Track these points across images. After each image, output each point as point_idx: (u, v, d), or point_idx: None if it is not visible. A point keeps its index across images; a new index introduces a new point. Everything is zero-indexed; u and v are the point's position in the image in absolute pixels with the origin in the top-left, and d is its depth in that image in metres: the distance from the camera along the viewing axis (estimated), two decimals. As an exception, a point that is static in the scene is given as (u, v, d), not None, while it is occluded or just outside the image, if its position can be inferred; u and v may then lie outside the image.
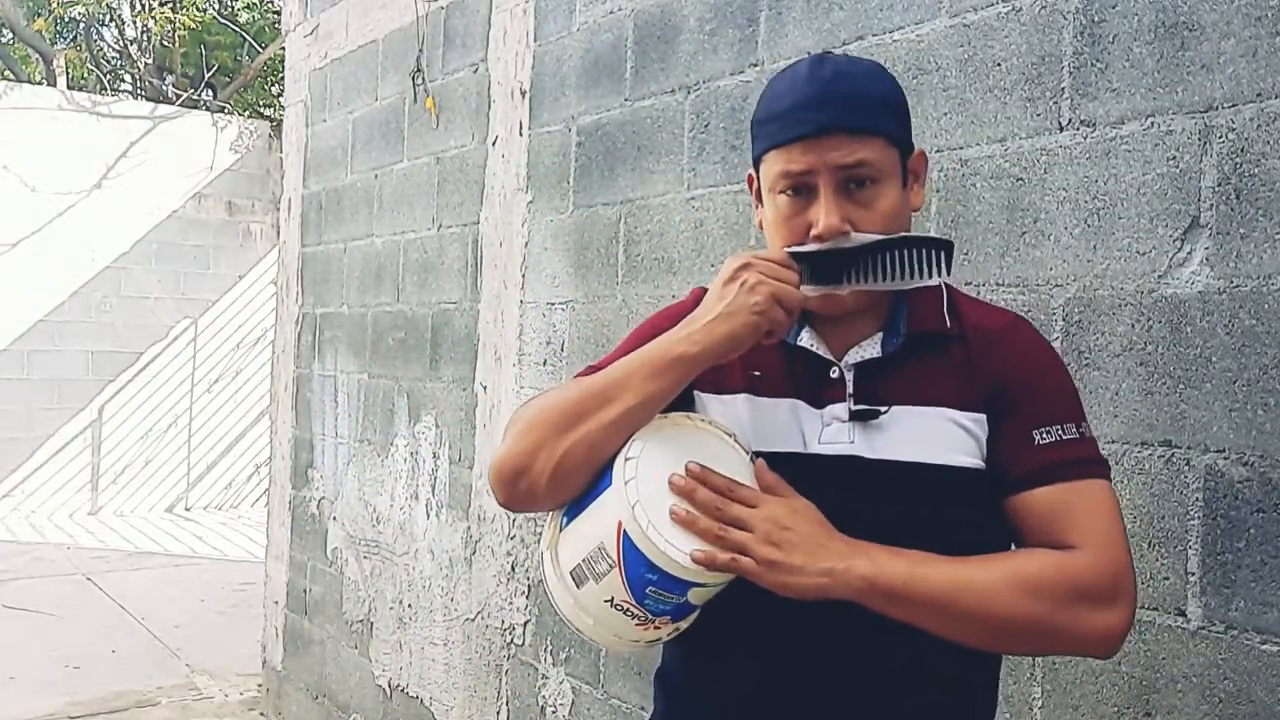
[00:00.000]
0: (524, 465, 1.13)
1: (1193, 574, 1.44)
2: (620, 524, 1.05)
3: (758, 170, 1.19)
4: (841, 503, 1.08)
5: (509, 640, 2.80)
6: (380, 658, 3.41)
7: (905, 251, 1.09)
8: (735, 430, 1.14)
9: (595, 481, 1.11)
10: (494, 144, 2.94)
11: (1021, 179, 1.66)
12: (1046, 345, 1.19)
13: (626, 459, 1.08)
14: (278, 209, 7.51)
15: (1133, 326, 1.52)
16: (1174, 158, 1.48)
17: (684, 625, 1.13)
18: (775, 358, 1.17)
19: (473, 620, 2.96)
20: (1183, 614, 1.45)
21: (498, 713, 2.84)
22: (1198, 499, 1.44)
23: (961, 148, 1.75)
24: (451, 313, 3.13)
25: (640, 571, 1.05)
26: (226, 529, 8.09)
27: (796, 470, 1.10)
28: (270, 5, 10.74)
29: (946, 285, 1.20)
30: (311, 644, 3.87)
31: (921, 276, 1.09)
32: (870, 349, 1.15)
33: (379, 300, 3.52)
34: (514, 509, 1.19)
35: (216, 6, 10.98)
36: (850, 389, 1.14)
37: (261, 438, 8.60)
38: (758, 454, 1.12)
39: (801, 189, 1.12)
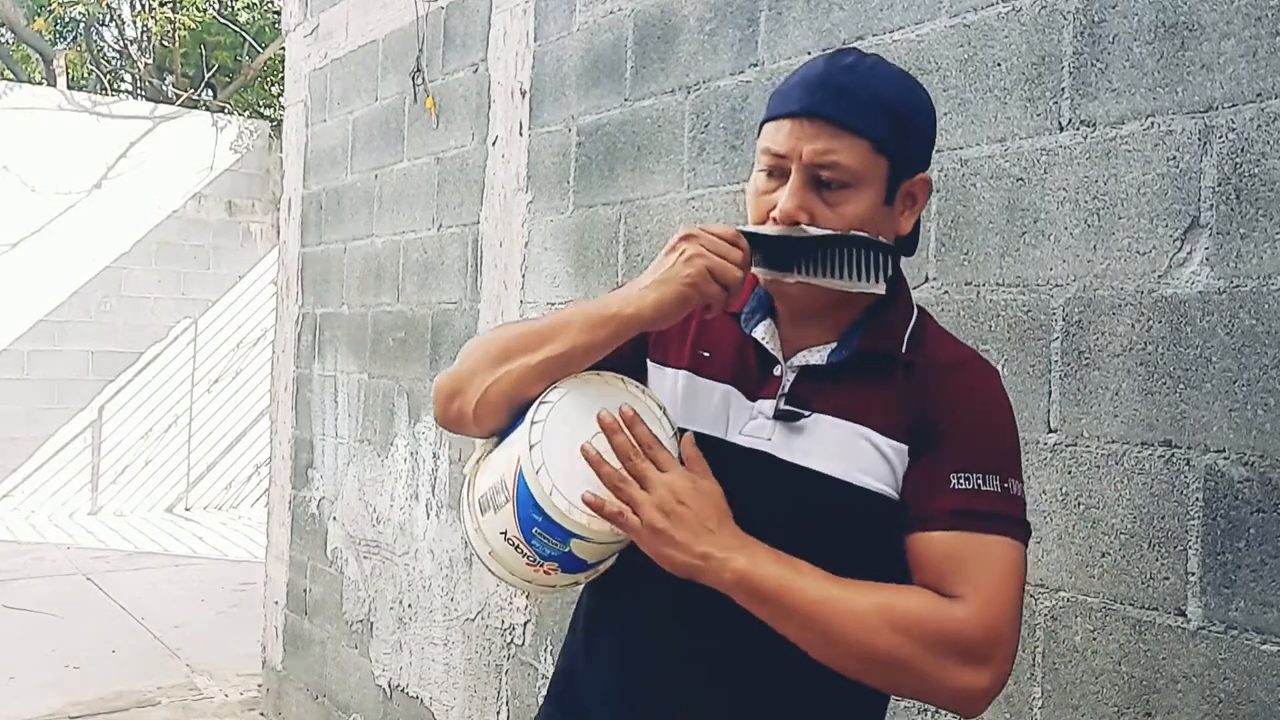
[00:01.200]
0: (457, 388, 1.20)
1: (1193, 574, 1.44)
2: (519, 461, 1.08)
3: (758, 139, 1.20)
4: (745, 497, 1.08)
5: (509, 640, 2.80)
6: (380, 658, 3.41)
7: (855, 252, 1.09)
8: (666, 404, 1.15)
9: (517, 418, 1.14)
10: (494, 144, 2.94)
11: (1021, 179, 1.66)
12: (996, 392, 1.14)
13: (542, 402, 1.11)
14: (278, 209, 7.51)
15: (1133, 326, 1.52)
16: (1174, 158, 1.48)
17: (582, 579, 1.16)
18: (729, 343, 1.18)
19: (473, 620, 2.96)
20: (1183, 614, 1.45)
21: (498, 713, 2.84)
22: (1198, 499, 1.44)
23: (961, 148, 1.75)
24: (451, 313, 3.13)
25: (528, 511, 1.08)
26: (226, 529, 8.09)
27: (712, 455, 1.10)
28: (270, 5, 10.74)
29: (920, 312, 1.19)
30: (311, 644, 3.87)
31: (868, 281, 1.09)
32: (816, 356, 1.14)
33: (379, 300, 3.52)
34: (448, 429, 1.25)
35: (216, 6, 10.98)
36: (785, 389, 1.14)
37: (261, 438, 8.60)
38: (682, 430, 1.13)
39: (776, 170, 1.11)
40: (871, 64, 1.12)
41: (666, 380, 1.20)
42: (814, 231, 1.08)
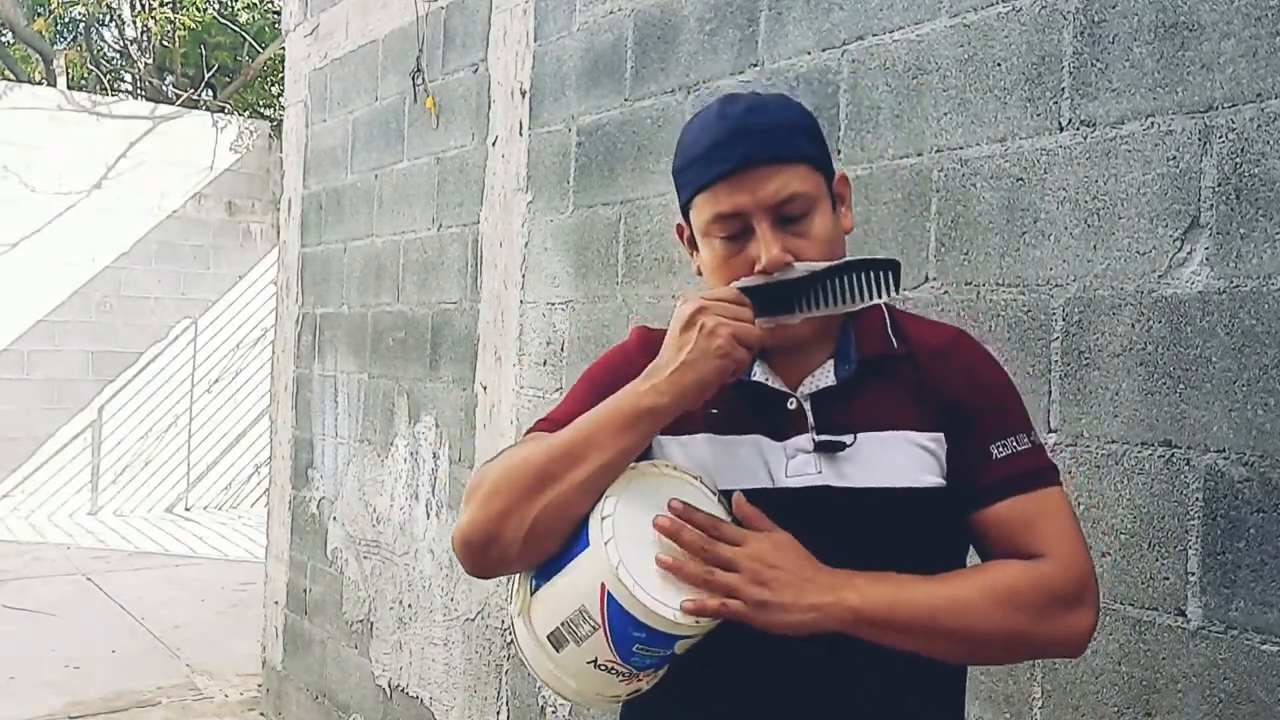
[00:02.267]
0: (493, 533, 1.09)
1: (1193, 574, 1.44)
2: (604, 586, 1.03)
3: (687, 219, 1.18)
4: (815, 533, 1.07)
5: (509, 640, 2.80)
6: (380, 658, 3.41)
7: (853, 275, 1.09)
8: (700, 473, 1.12)
9: (569, 542, 1.08)
10: (494, 144, 2.94)
11: (1021, 179, 1.66)
12: (992, 358, 1.21)
13: (603, 517, 1.06)
14: (278, 209, 7.51)
15: (1133, 326, 1.52)
16: (1174, 158, 1.48)
17: (663, 672, 1.12)
18: (730, 394, 1.15)
19: (473, 620, 2.96)
20: (1183, 614, 1.45)
21: (498, 713, 2.84)
22: (1198, 499, 1.44)
23: (961, 148, 1.75)
24: (451, 313, 3.13)
25: (627, 631, 1.03)
26: (226, 529, 8.09)
27: (767, 506, 1.09)
28: (270, 5, 10.74)
29: (886, 305, 1.20)
30: (311, 644, 3.87)
31: (869, 297, 1.10)
32: (824, 378, 1.15)
33: (379, 300, 3.52)
34: (484, 576, 1.16)
35: (216, 6, 10.98)
36: (811, 420, 1.13)
37: (261, 438, 8.60)
38: (725, 492, 1.11)
39: (736, 232, 1.11)
40: (754, 100, 1.15)
41: (688, 449, 1.16)
42: (808, 269, 1.09)
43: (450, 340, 3.13)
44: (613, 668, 1.06)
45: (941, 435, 1.13)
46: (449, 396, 3.11)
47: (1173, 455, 1.47)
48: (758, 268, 1.10)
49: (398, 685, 3.31)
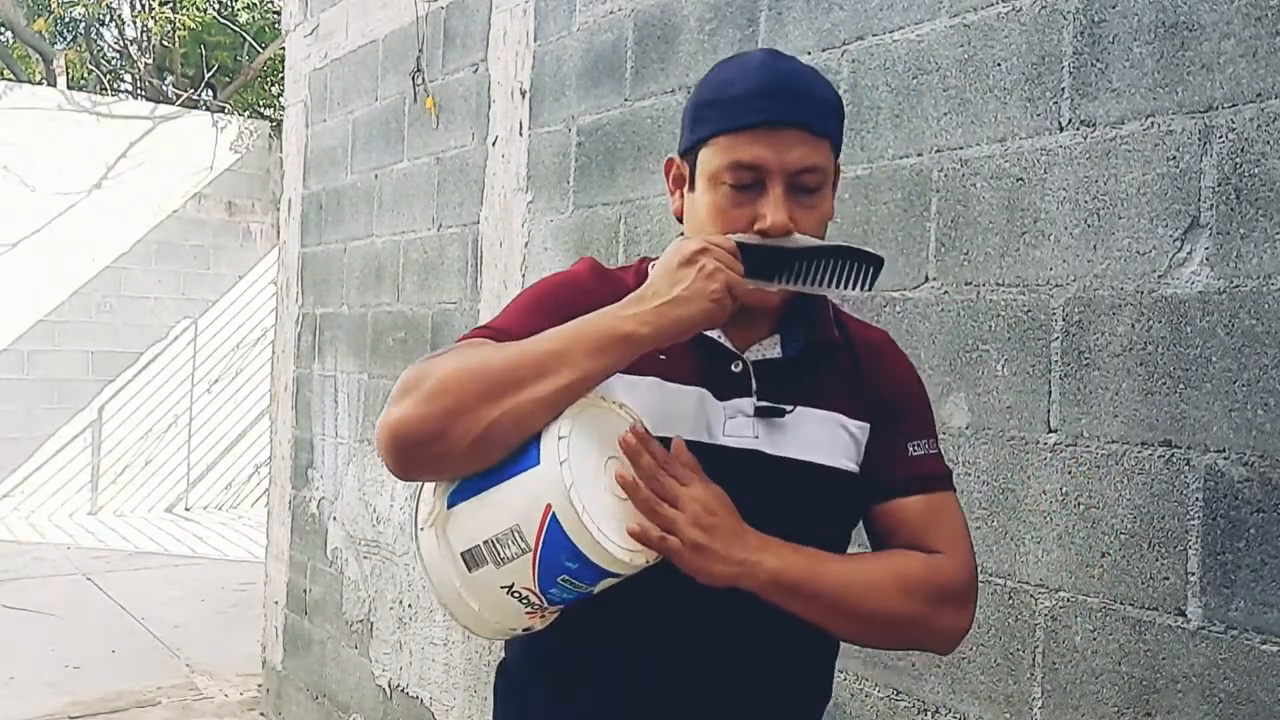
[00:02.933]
0: (438, 430, 1.02)
1: (1193, 574, 1.44)
2: (549, 508, 0.99)
3: (693, 155, 1.15)
4: (742, 495, 1.08)
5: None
6: (380, 658, 3.41)
7: (841, 261, 1.10)
8: (642, 417, 1.10)
9: (509, 457, 1.03)
10: (494, 144, 2.94)
11: (1021, 179, 1.66)
12: (913, 366, 1.29)
13: (560, 438, 1.01)
14: (278, 209, 7.51)
15: (1133, 326, 1.52)
16: (1174, 158, 1.48)
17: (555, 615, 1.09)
18: (684, 344, 1.13)
19: (473, 620, 2.96)
20: (1183, 614, 1.45)
21: (498, 713, 2.84)
22: (1198, 499, 1.44)
23: (961, 148, 1.75)
24: (451, 313, 3.13)
25: (559, 559, 1.00)
26: (226, 529, 8.09)
27: (701, 459, 1.09)
28: (270, 5, 10.74)
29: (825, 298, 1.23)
30: (311, 644, 3.87)
31: (846, 286, 1.10)
32: (771, 349, 1.17)
33: (379, 300, 3.52)
34: (406, 477, 1.09)
35: (216, 6, 10.98)
36: (754, 385, 1.15)
37: (261, 438, 8.60)
38: (662, 439, 1.09)
39: (750, 183, 1.10)
40: (799, 65, 1.15)
41: (634, 389, 1.14)
42: (805, 242, 1.10)
43: (450, 340, 3.13)
44: (527, 596, 1.03)
45: (868, 425, 1.18)
46: (449, 396, 3.11)
47: (1173, 455, 1.47)
48: (758, 226, 1.09)
49: (398, 685, 3.31)
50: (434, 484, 1.10)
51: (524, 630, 1.10)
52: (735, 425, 1.14)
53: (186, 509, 8.89)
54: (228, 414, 9.03)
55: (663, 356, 1.14)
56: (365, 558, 3.53)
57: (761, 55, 1.15)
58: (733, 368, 1.16)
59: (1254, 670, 1.38)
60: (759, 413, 1.14)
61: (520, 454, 1.03)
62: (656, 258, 1.16)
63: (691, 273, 1.05)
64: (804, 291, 1.11)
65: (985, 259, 1.71)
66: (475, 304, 3.01)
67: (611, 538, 1.00)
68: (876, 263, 1.11)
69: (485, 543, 1.02)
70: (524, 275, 2.80)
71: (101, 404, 8.48)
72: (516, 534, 1.01)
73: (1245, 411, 1.39)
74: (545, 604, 1.04)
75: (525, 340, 1.07)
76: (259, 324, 8.99)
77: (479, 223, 3.01)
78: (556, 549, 1.00)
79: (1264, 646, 1.37)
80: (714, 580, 1.05)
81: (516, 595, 1.03)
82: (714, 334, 1.16)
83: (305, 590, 3.94)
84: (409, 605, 3.27)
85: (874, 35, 1.90)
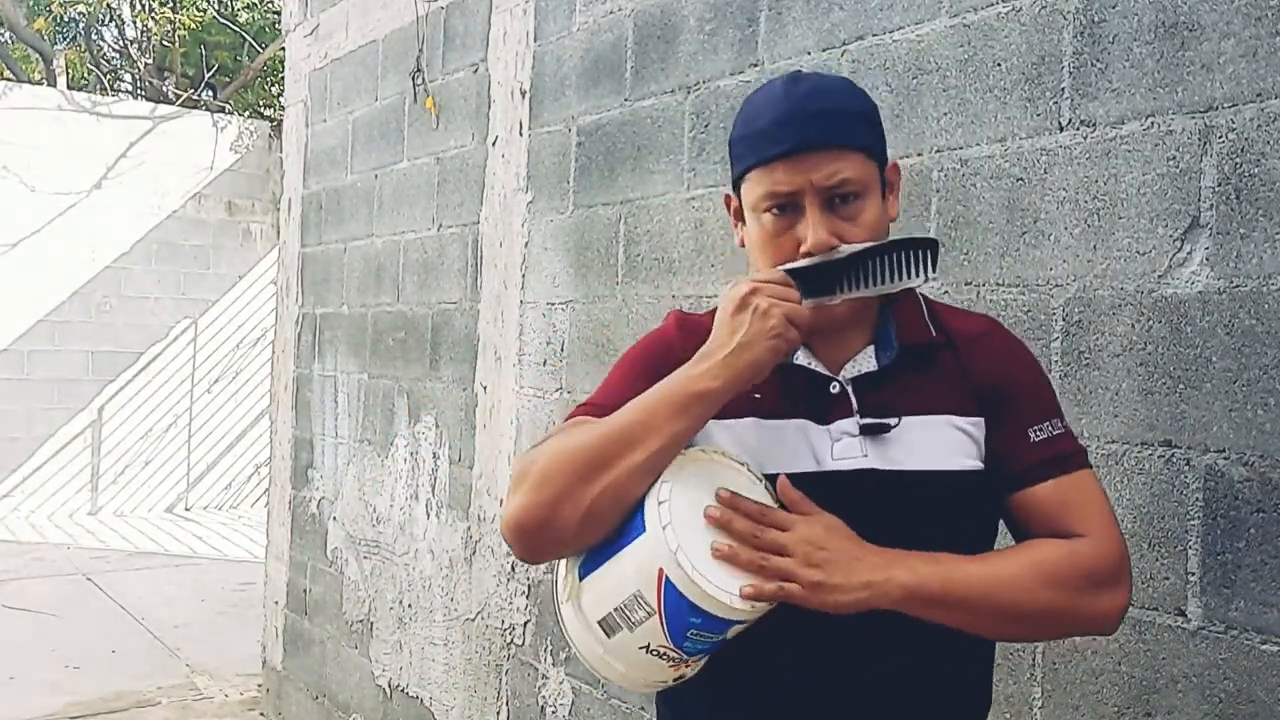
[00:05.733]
0: (547, 517, 1.09)
1: (1193, 574, 1.44)
2: (661, 571, 1.03)
3: (738, 190, 1.20)
4: (861, 515, 1.09)
5: (509, 640, 2.80)
6: (380, 658, 3.41)
7: (893, 255, 1.11)
8: (746, 458, 1.14)
9: (621, 527, 1.09)
10: (494, 144, 2.94)
11: (1021, 179, 1.66)
12: (1024, 345, 1.25)
13: (660, 502, 1.06)
14: (278, 209, 7.51)
15: (1133, 326, 1.52)
16: (1174, 158, 1.48)
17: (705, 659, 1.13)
18: (772, 378, 1.16)
19: (473, 620, 2.96)
20: (1183, 614, 1.45)
21: (498, 713, 2.84)
22: (1198, 499, 1.44)
23: (961, 148, 1.75)
24: (451, 313, 3.13)
25: (684, 617, 1.04)
26: (226, 529, 8.09)
27: (813, 488, 1.10)
28: (270, 5, 10.74)
29: (923, 296, 1.24)
30: (311, 644, 3.87)
31: (908, 277, 1.11)
32: (865, 363, 1.17)
33: (379, 300, 3.52)
34: (535, 561, 1.17)
35: (216, 6, 10.98)
36: (855, 403, 1.15)
37: (261, 438, 8.60)
38: (771, 476, 1.12)
39: (787, 207, 1.14)
40: (820, 82, 1.17)
41: (733, 433, 1.17)
42: (850, 249, 1.11)
43: (450, 340, 3.13)
44: (665, 653, 1.07)
45: (981, 420, 1.16)
46: (449, 396, 3.12)
47: (1173, 455, 1.47)
48: (803, 248, 1.12)
49: (398, 685, 3.31)
50: (566, 560, 1.15)
51: (675, 679, 1.12)
52: (843, 447, 1.14)
53: (186, 509, 8.89)
54: (228, 414, 9.03)
55: (757, 395, 1.17)
56: (365, 558, 3.53)
57: (783, 82, 1.17)
58: (831, 389, 1.16)
59: (1254, 670, 1.38)
60: (864, 430, 1.14)
61: (629, 523, 1.08)
62: None
63: (747, 317, 1.08)
64: (867, 295, 1.12)
65: (985, 259, 1.71)
66: (475, 304, 3.01)
67: (727, 589, 1.03)
68: (932, 246, 1.12)
69: (615, 610, 1.07)
70: (524, 275, 2.80)
71: (101, 404, 8.48)
72: (640, 599, 1.05)
73: (1245, 411, 1.39)
74: (685, 657, 1.07)
75: (615, 414, 1.11)
76: (259, 324, 9.00)
77: (479, 223, 3.01)
78: (678, 608, 1.04)
79: (1264, 646, 1.37)
80: (847, 609, 1.05)
81: (656, 653, 1.07)
82: (803, 360, 1.18)
83: (305, 590, 3.94)
84: (409, 605, 3.27)
85: (874, 35, 1.90)
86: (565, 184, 2.67)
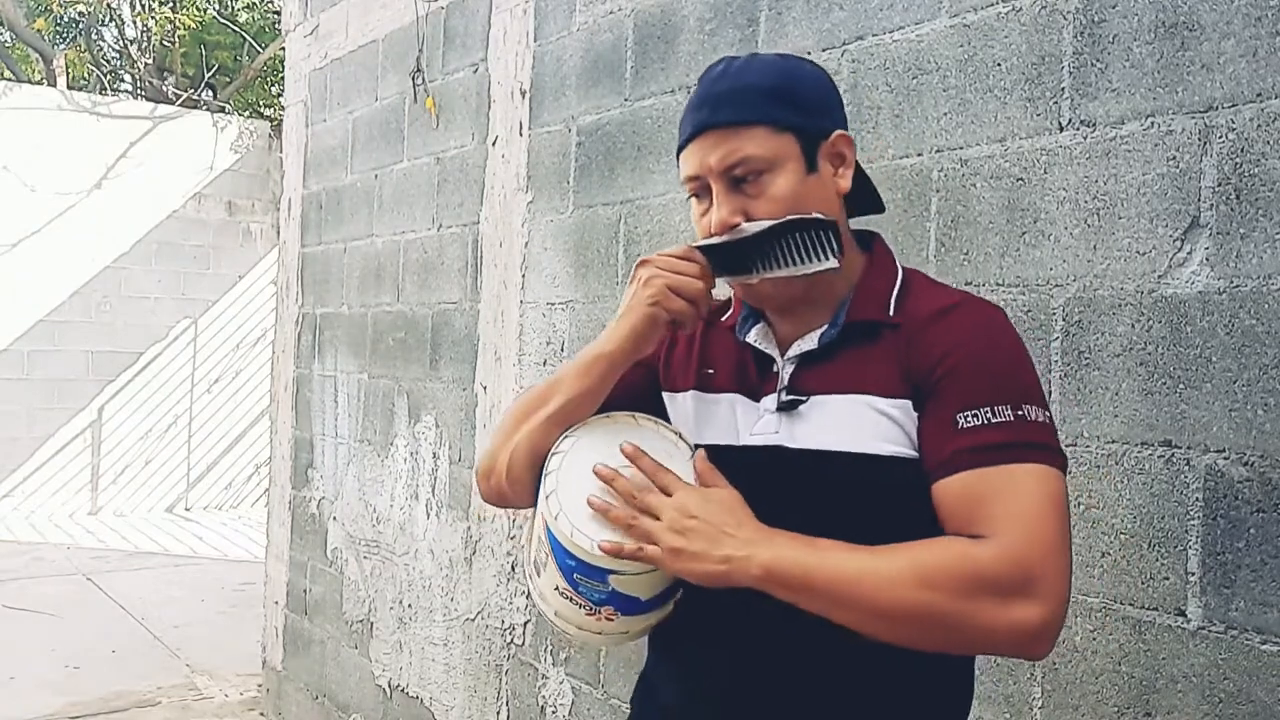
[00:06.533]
0: (489, 466, 1.27)
1: (1193, 574, 1.44)
2: (543, 516, 1.13)
3: None
4: (766, 492, 1.10)
5: (509, 640, 2.80)
6: (380, 658, 3.41)
7: (801, 237, 1.11)
8: (682, 429, 1.20)
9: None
10: (494, 144, 2.94)
11: (1021, 179, 1.66)
12: (992, 326, 1.11)
13: (553, 453, 1.16)
14: (278, 209, 7.51)
15: (1133, 326, 1.52)
16: (1174, 158, 1.48)
17: (653, 620, 1.17)
18: (730, 356, 1.22)
19: (473, 620, 2.96)
20: (1183, 614, 1.45)
21: (498, 713, 2.84)
22: (1198, 499, 1.44)
23: (961, 148, 1.75)
24: (451, 313, 3.13)
25: (564, 559, 1.11)
26: (226, 529, 8.09)
27: (728, 462, 1.14)
28: (270, 5, 10.74)
29: (906, 272, 1.19)
30: (311, 644, 3.87)
31: (820, 259, 1.11)
32: (809, 341, 1.16)
33: (379, 300, 3.52)
34: (495, 504, 1.31)
35: (216, 6, 10.98)
36: (784, 381, 1.16)
37: (261, 438, 8.60)
38: (698, 447, 1.17)
39: (702, 191, 1.17)
40: (742, 63, 1.18)
41: (676, 405, 1.25)
42: (753, 228, 1.12)
43: (450, 340, 3.13)
44: (571, 597, 1.13)
45: (908, 403, 1.08)
46: (449, 396, 3.11)
47: (1173, 455, 1.47)
48: (712, 229, 1.15)
49: (398, 685, 3.31)
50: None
51: (610, 634, 1.17)
52: (762, 424, 1.16)
53: (186, 509, 8.89)
54: (228, 414, 9.03)
55: (710, 371, 1.23)
56: (365, 558, 3.53)
57: (709, 68, 1.20)
58: (774, 368, 1.18)
59: (1254, 670, 1.38)
60: (781, 407, 1.15)
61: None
62: None
63: (633, 288, 1.17)
64: (780, 275, 1.13)
65: (985, 259, 1.71)
66: (475, 304, 3.01)
67: (591, 537, 1.09)
68: (830, 228, 1.11)
69: (535, 551, 1.19)
70: (524, 275, 2.80)
71: (101, 404, 8.48)
72: (541, 542, 1.16)
73: (1245, 411, 1.39)
74: (590, 604, 1.13)
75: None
76: (259, 324, 8.99)
77: (479, 223, 3.01)
78: (558, 551, 1.12)
79: (1264, 646, 1.37)
80: (705, 580, 1.07)
81: (565, 596, 1.14)
82: (755, 339, 1.20)
83: (305, 590, 3.94)
84: (409, 605, 3.27)
85: (874, 35, 1.90)
86: (565, 184, 2.67)
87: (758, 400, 1.17)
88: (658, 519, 1.08)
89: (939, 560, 1.00)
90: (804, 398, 1.13)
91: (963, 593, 0.99)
